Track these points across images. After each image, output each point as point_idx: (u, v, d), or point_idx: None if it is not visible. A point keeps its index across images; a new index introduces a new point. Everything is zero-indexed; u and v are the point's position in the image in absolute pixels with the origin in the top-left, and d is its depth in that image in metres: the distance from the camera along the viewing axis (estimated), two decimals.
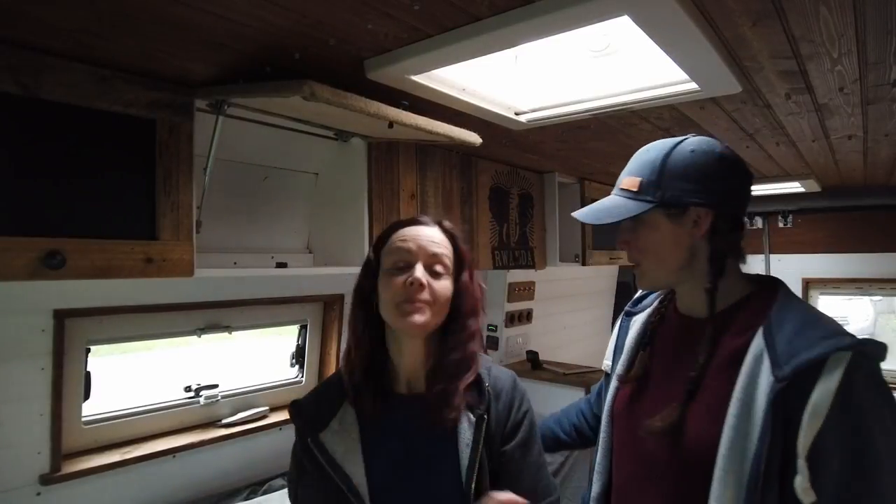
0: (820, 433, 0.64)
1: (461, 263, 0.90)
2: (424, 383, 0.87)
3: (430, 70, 1.10)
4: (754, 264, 3.58)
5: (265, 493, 1.70)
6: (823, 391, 0.64)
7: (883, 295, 3.34)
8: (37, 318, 1.30)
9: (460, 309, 0.88)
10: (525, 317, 2.81)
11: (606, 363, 1.03)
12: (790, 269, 3.46)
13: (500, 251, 2.16)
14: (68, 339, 1.37)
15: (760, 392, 0.69)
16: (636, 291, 1.05)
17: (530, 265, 2.36)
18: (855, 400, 0.64)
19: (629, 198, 0.83)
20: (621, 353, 0.96)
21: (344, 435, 0.83)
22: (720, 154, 0.81)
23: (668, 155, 0.82)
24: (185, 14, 0.84)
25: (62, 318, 1.33)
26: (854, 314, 4.15)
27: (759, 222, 3.51)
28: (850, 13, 0.85)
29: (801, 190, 2.82)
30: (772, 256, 3.53)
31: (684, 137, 0.84)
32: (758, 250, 3.57)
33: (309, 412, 0.87)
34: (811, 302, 3.43)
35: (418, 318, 0.81)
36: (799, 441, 0.65)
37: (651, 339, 0.91)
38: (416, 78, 1.11)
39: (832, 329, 0.71)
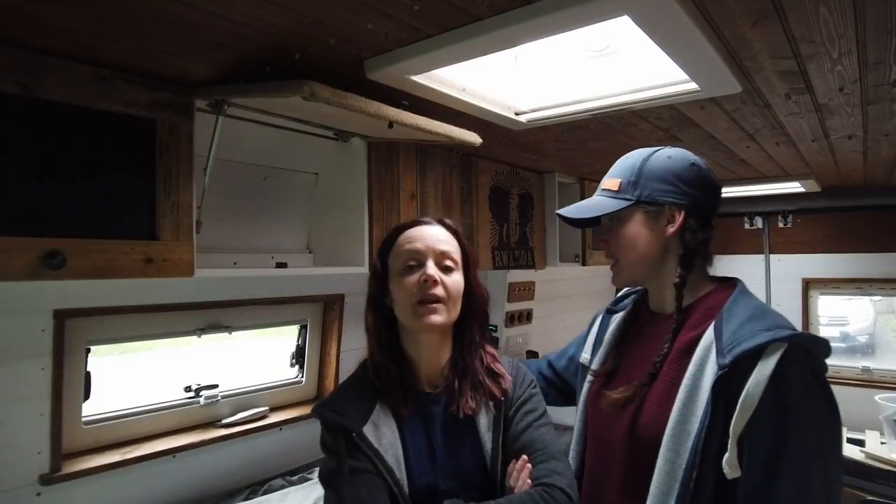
0: (752, 418, 0.70)
1: (468, 259, 0.93)
2: (443, 377, 0.91)
3: (430, 70, 1.10)
4: (754, 264, 3.58)
5: (265, 493, 1.70)
6: (757, 378, 0.71)
7: (883, 295, 3.33)
8: (37, 319, 1.30)
9: (472, 303, 0.92)
10: (525, 317, 2.81)
11: (585, 356, 1.08)
12: (790, 269, 3.45)
13: (500, 251, 2.16)
14: (68, 340, 1.37)
15: (706, 379, 0.76)
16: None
17: (530, 265, 2.36)
18: (784, 389, 0.71)
19: (610, 197, 0.92)
20: (600, 347, 1.03)
21: (384, 430, 0.87)
22: (693, 162, 0.91)
23: (646, 159, 0.91)
24: (185, 14, 0.84)
25: (62, 318, 1.33)
26: (854, 314, 4.15)
27: (759, 222, 3.50)
28: (850, 13, 0.85)
29: (801, 190, 2.82)
30: (772, 256, 3.52)
31: (662, 147, 0.93)
32: (758, 250, 3.56)
33: (345, 409, 0.89)
34: (811, 302, 3.42)
35: (435, 318, 0.85)
36: (732, 423, 0.71)
37: (623, 336, 0.99)
38: (416, 78, 1.11)
39: (774, 323, 0.77)
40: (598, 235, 0.99)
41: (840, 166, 2.22)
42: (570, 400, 1.14)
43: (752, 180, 2.57)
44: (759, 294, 3.58)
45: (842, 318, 4.11)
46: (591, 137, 1.72)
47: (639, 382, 0.86)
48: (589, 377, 1.01)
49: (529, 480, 0.82)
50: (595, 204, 0.92)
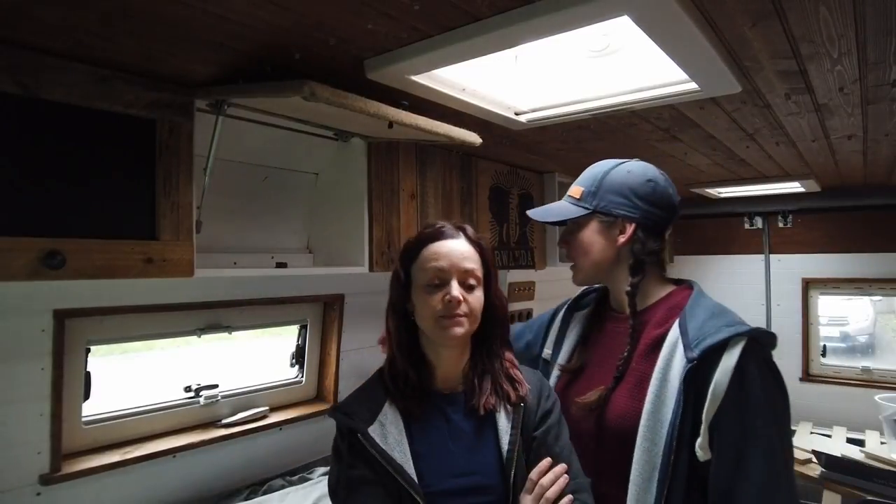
0: (721, 405, 0.79)
1: (489, 271, 0.94)
2: (461, 379, 0.94)
3: (430, 70, 1.10)
4: (754, 264, 3.58)
5: (265, 493, 1.71)
6: (724, 369, 0.79)
7: (883, 295, 3.33)
8: (37, 319, 1.30)
9: (492, 313, 0.94)
10: (525, 317, 2.81)
11: (547, 352, 1.13)
12: (790, 269, 3.45)
13: (500, 251, 2.16)
14: (68, 340, 1.37)
15: (674, 372, 0.83)
16: None
17: (530, 265, 2.36)
18: (747, 378, 0.79)
19: (572, 203, 1.00)
20: (562, 343, 1.09)
21: (390, 428, 0.88)
22: (650, 178, 0.96)
23: (607, 172, 0.98)
24: (185, 14, 0.84)
25: (62, 318, 1.33)
26: (854, 314, 4.14)
27: (758, 222, 3.50)
28: (850, 13, 0.85)
29: (801, 190, 2.82)
30: (771, 256, 3.52)
31: (628, 160, 1.00)
32: (758, 250, 3.56)
33: (354, 410, 0.91)
34: (811, 302, 3.43)
35: (458, 329, 0.88)
36: (704, 410, 0.79)
37: (588, 335, 1.06)
38: (416, 78, 1.11)
39: (732, 319, 0.86)
40: (561, 239, 1.07)
41: (840, 166, 2.22)
42: None
43: (752, 180, 2.57)
44: (759, 294, 3.61)
45: (842, 318, 4.10)
46: (591, 137, 1.72)
47: (605, 387, 0.93)
48: (556, 373, 1.06)
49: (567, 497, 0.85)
50: (559, 208, 1.01)
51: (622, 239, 0.95)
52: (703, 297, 0.93)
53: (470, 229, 0.96)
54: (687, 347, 0.83)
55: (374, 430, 0.86)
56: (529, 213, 1.05)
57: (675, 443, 0.80)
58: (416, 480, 0.83)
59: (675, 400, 0.81)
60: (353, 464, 0.84)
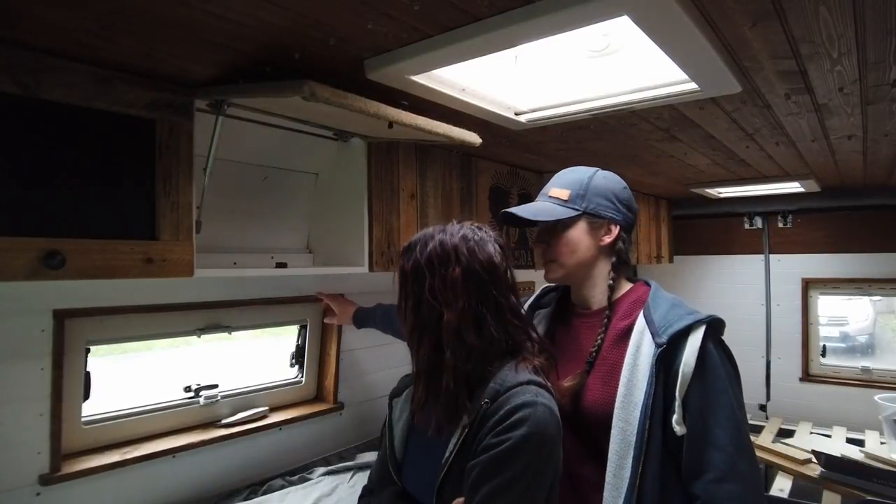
0: (690, 382, 0.87)
1: (401, 283, 0.92)
2: None
3: (429, 70, 1.10)
4: (754, 264, 3.58)
5: (265, 493, 1.70)
6: (691, 349, 0.88)
7: (882, 295, 3.33)
8: (36, 319, 1.30)
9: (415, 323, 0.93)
10: None
11: None
12: (790, 269, 3.45)
13: None
14: (68, 340, 1.37)
15: (643, 357, 0.92)
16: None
17: (530, 265, 2.37)
18: (708, 358, 0.89)
19: (559, 204, 1.04)
20: None
21: (405, 405, 0.97)
22: (624, 185, 1.07)
23: (591, 177, 1.05)
24: (185, 14, 0.84)
25: (62, 318, 1.33)
26: (853, 314, 4.15)
27: (758, 222, 3.50)
28: (849, 13, 0.85)
29: (801, 190, 2.83)
30: (771, 256, 3.52)
31: (597, 168, 1.08)
32: (757, 250, 3.56)
33: (401, 381, 1.02)
34: (811, 302, 3.42)
35: None
36: (677, 388, 0.87)
37: (553, 333, 1.12)
38: (415, 78, 1.11)
39: (690, 309, 0.96)
40: (540, 238, 1.09)
41: (840, 166, 2.22)
42: None
43: (752, 180, 2.57)
44: (759, 294, 3.61)
45: (841, 318, 4.10)
46: (591, 137, 1.72)
47: (581, 371, 1.00)
48: None
49: None
50: (548, 209, 1.04)
51: (608, 239, 1.03)
52: (662, 292, 1.02)
53: (414, 238, 0.92)
54: (655, 334, 0.92)
55: (398, 402, 0.98)
56: (513, 210, 1.06)
57: (648, 421, 0.88)
58: (399, 459, 0.93)
59: (646, 382, 0.90)
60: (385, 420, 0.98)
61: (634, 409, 0.90)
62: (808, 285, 3.42)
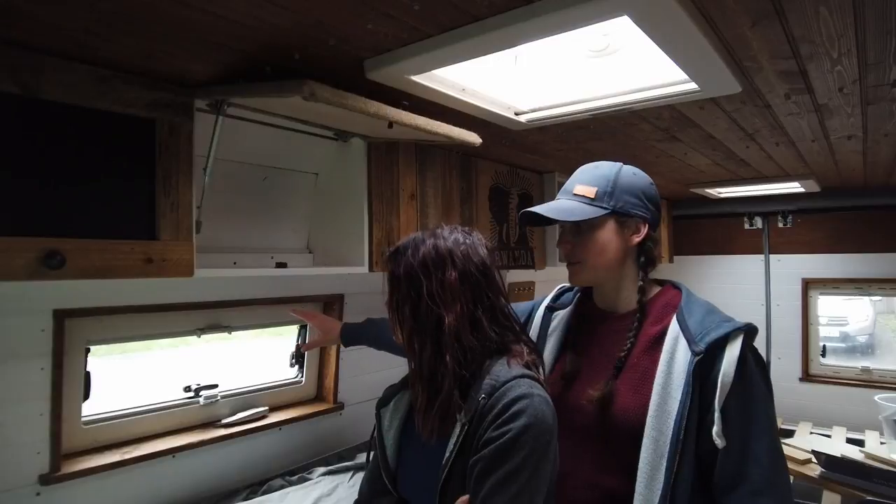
0: (728, 393, 0.83)
1: (392, 287, 0.92)
2: None
3: (430, 70, 1.10)
4: (754, 264, 3.58)
5: (264, 493, 1.70)
6: (730, 360, 0.84)
7: (882, 295, 3.33)
8: (36, 319, 1.30)
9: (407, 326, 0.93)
10: None
11: None
12: (790, 269, 3.45)
13: (499, 251, 2.16)
14: (68, 340, 1.37)
15: (678, 365, 0.87)
16: None
17: (530, 265, 2.36)
18: (747, 368, 0.86)
19: (586, 203, 0.98)
20: (544, 343, 1.09)
21: (394, 414, 0.97)
22: (651, 181, 1.02)
23: (618, 173, 0.99)
24: (185, 14, 0.84)
25: (62, 318, 1.33)
26: (853, 314, 4.15)
27: (758, 222, 3.50)
28: (849, 13, 0.85)
29: (801, 190, 2.82)
30: (771, 256, 3.52)
31: (621, 163, 1.02)
32: (758, 250, 3.56)
33: (387, 391, 1.01)
34: (811, 302, 3.43)
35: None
36: (715, 398, 0.83)
37: (576, 338, 1.06)
38: (416, 78, 1.11)
39: (726, 316, 0.92)
40: (565, 238, 1.03)
41: (840, 166, 2.22)
42: None
43: (752, 180, 2.57)
44: (759, 294, 3.61)
45: (841, 318, 4.11)
46: (591, 137, 1.72)
47: (609, 378, 0.94)
48: (554, 379, 1.03)
49: None
50: (574, 208, 0.98)
51: (636, 238, 0.98)
52: (695, 297, 0.98)
53: (402, 242, 0.92)
54: (691, 341, 0.87)
55: (385, 412, 0.97)
56: (537, 209, 0.99)
57: (683, 432, 0.83)
58: (392, 468, 0.93)
59: (681, 391, 0.85)
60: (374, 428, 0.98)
61: (668, 419, 0.85)
62: (808, 285, 3.42)
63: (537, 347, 0.96)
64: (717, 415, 0.83)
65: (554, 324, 1.09)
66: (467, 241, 0.91)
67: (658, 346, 0.91)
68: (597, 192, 0.98)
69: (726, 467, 0.84)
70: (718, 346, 0.86)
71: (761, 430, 0.84)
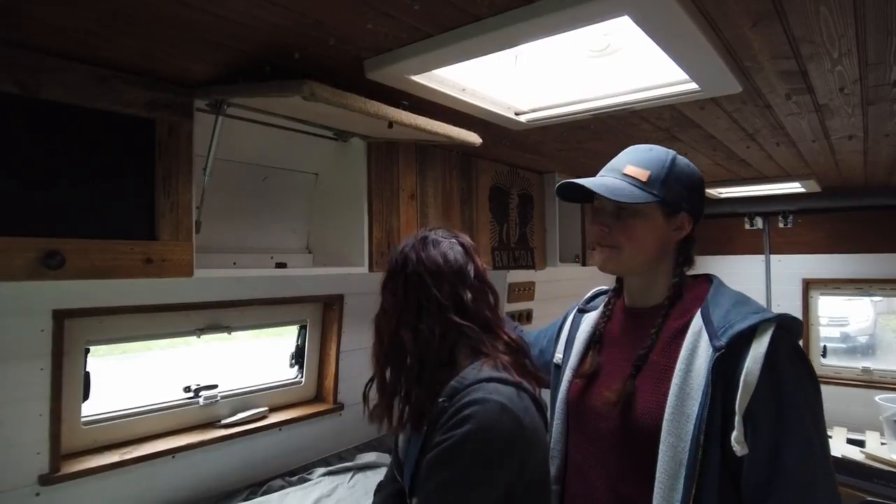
0: (753, 394, 0.74)
1: (382, 286, 0.94)
2: None
3: (430, 70, 1.09)
4: (754, 264, 3.58)
5: (264, 493, 1.70)
6: (755, 356, 0.75)
7: (883, 295, 3.33)
8: (36, 319, 1.30)
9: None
10: (525, 317, 2.81)
11: (558, 356, 1.08)
12: (790, 269, 3.45)
13: (500, 251, 2.16)
14: (67, 340, 1.37)
15: (700, 362, 0.79)
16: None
17: (530, 265, 2.36)
18: (778, 365, 0.75)
19: (636, 186, 0.88)
20: (572, 346, 1.03)
21: None
22: (701, 177, 0.95)
23: (674, 160, 0.91)
24: (185, 14, 0.84)
25: (61, 318, 1.33)
26: (854, 315, 4.14)
27: (759, 222, 3.50)
28: (850, 13, 0.85)
29: (802, 190, 2.82)
30: (772, 257, 3.52)
31: (675, 152, 0.94)
32: (758, 250, 3.56)
33: None
34: (812, 302, 3.42)
35: None
36: (737, 401, 0.74)
37: (600, 337, 0.99)
38: (415, 78, 1.11)
39: (758, 307, 0.83)
40: (597, 216, 0.95)
41: (840, 166, 2.22)
42: None
43: (753, 180, 2.57)
44: (760, 294, 3.60)
45: (842, 318, 4.10)
46: (591, 137, 1.72)
47: (626, 378, 0.87)
48: (568, 375, 1.01)
49: None
50: (622, 188, 0.88)
51: (680, 234, 0.92)
52: (725, 288, 0.90)
53: (400, 249, 0.94)
54: (712, 336, 0.79)
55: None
56: (583, 181, 0.90)
57: (704, 437, 0.76)
58: (399, 456, 0.95)
59: (701, 392, 0.77)
60: None
61: (687, 423, 0.77)
62: (809, 286, 3.42)
63: (522, 347, 0.92)
64: (737, 418, 0.74)
65: (583, 325, 1.04)
66: (432, 239, 0.93)
67: (679, 341, 0.84)
68: (649, 176, 0.88)
69: (751, 479, 0.75)
70: (743, 341, 0.76)
71: (795, 437, 0.74)
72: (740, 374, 0.75)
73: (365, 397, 0.95)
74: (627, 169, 0.91)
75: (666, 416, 0.80)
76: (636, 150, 0.95)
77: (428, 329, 0.85)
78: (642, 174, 0.89)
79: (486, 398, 0.77)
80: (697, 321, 0.83)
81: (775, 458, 0.74)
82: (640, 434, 0.83)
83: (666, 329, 0.88)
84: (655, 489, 0.79)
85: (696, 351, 0.80)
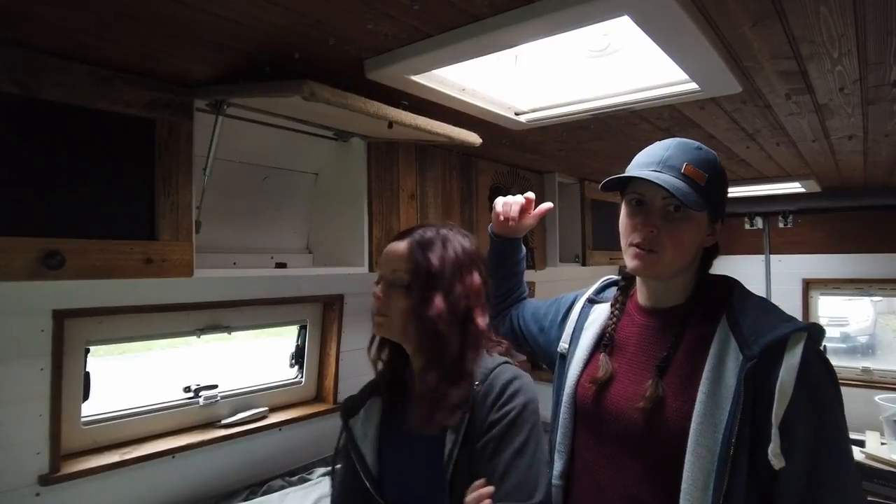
0: (789, 405, 0.72)
1: (419, 276, 0.90)
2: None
3: (429, 70, 1.10)
4: (754, 264, 3.58)
5: (264, 493, 1.70)
6: (789, 365, 0.73)
7: (883, 295, 3.33)
8: (36, 319, 1.30)
9: (420, 326, 0.91)
10: None
11: (563, 345, 1.05)
12: (790, 269, 3.45)
13: None
14: (67, 340, 1.37)
15: (729, 370, 0.77)
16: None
17: (530, 265, 2.36)
18: (812, 374, 0.74)
19: (696, 189, 0.83)
20: (579, 338, 1.02)
21: (367, 422, 0.98)
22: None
23: (718, 163, 0.88)
24: (185, 14, 0.84)
25: (61, 318, 1.33)
26: (854, 315, 4.14)
27: (759, 222, 3.50)
28: (850, 13, 0.85)
29: (802, 190, 2.82)
30: (772, 257, 3.52)
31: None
32: (758, 250, 3.57)
33: (349, 402, 1.03)
34: (811, 302, 3.43)
35: (375, 328, 0.95)
36: (773, 412, 0.72)
37: (611, 340, 0.96)
38: (415, 78, 1.11)
39: (786, 315, 0.82)
40: (641, 215, 0.87)
41: (840, 166, 2.22)
42: (518, 348, 1.21)
43: (753, 180, 2.57)
44: (760, 294, 3.59)
45: (842, 318, 4.10)
46: (591, 138, 1.72)
47: (654, 380, 0.84)
48: (575, 371, 0.98)
49: None
50: (686, 192, 0.82)
51: (712, 240, 0.89)
52: (748, 293, 0.87)
53: (418, 231, 0.96)
54: (742, 345, 0.77)
55: (355, 422, 0.98)
56: (646, 175, 0.83)
57: (733, 448, 0.73)
58: (372, 474, 0.93)
59: (731, 401, 0.75)
60: (347, 442, 0.98)
61: (716, 433, 0.75)
62: (809, 285, 3.42)
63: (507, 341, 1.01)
64: (773, 430, 0.71)
65: (592, 317, 1.01)
66: (468, 241, 0.98)
67: (704, 348, 0.81)
68: (707, 179, 0.83)
69: (790, 495, 0.73)
70: (776, 350, 0.75)
71: (835, 452, 0.73)
72: (773, 384, 0.73)
73: None
74: (686, 169, 0.84)
75: (693, 424, 0.77)
76: (688, 146, 0.87)
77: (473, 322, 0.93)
78: (701, 177, 0.83)
79: (520, 374, 0.90)
80: (724, 328, 0.81)
81: (816, 475, 0.72)
82: (665, 439, 0.81)
83: (689, 333, 0.86)
84: (682, 499, 0.76)
85: (724, 359, 0.78)
